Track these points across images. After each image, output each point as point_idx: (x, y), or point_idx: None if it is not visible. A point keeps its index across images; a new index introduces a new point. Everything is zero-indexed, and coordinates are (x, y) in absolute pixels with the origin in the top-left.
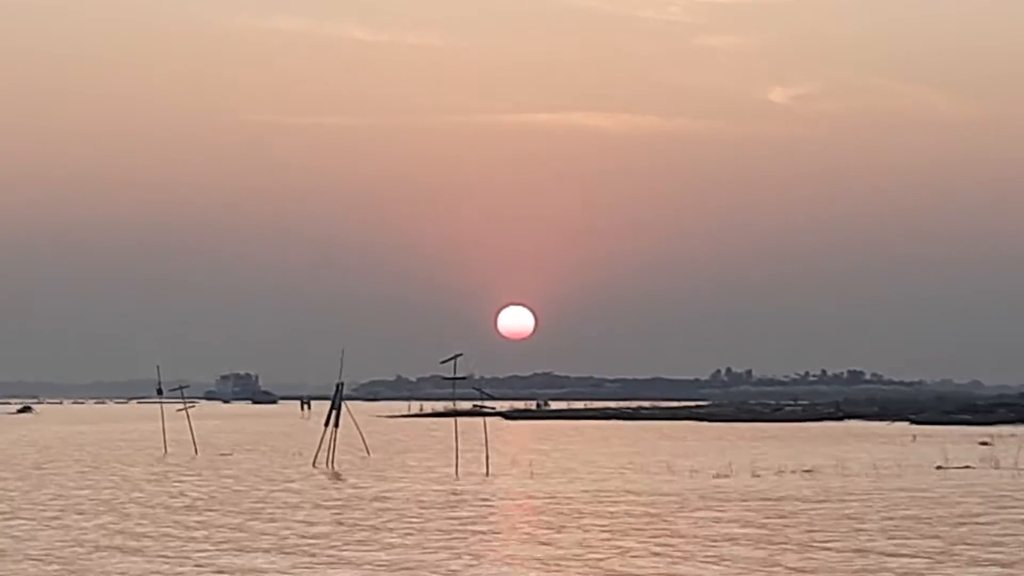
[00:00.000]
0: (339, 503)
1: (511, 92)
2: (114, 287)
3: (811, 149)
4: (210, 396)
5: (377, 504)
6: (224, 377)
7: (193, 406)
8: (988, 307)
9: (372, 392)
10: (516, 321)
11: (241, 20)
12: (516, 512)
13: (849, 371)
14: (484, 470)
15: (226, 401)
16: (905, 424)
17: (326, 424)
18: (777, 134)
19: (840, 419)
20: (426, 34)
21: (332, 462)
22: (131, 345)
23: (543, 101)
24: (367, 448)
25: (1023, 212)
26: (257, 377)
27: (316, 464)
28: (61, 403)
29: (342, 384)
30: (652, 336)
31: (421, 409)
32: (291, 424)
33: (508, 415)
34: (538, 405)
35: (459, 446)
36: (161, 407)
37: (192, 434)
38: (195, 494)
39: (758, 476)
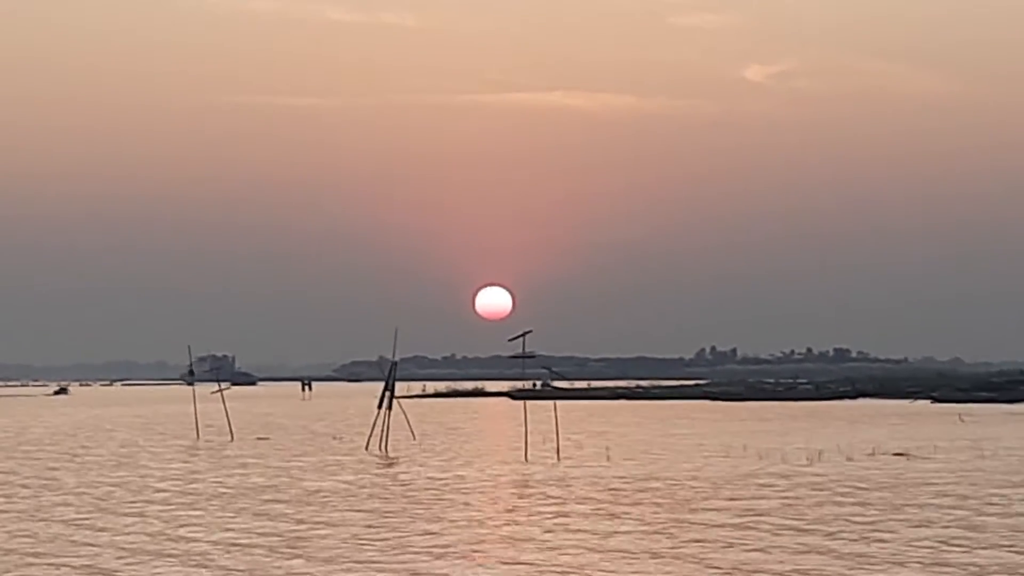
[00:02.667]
0: (442, 490)
1: (487, 72)
2: (87, 271)
3: (789, 127)
4: (185, 377)
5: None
6: (200, 359)
7: (228, 388)
8: (966, 285)
9: (354, 373)
10: (494, 302)
11: (215, 0)
12: (629, 500)
13: (835, 349)
14: (554, 454)
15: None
16: (925, 402)
17: (379, 406)
18: (754, 112)
19: (854, 397)
20: (401, 13)
21: (386, 447)
22: (106, 327)
23: (519, 81)
24: (412, 432)
25: (1003, 189)
26: (233, 359)
27: (368, 448)
28: (90, 385)
29: (395, 364)
30: (632, 316)
31: (424, 389)
32: (299, 406)
33: (513, 395)
34: (543, 384)
35: (489, 427)
36: (193, 390)
37: (228, 418)
38: (261, 482)
39: (852, 460)
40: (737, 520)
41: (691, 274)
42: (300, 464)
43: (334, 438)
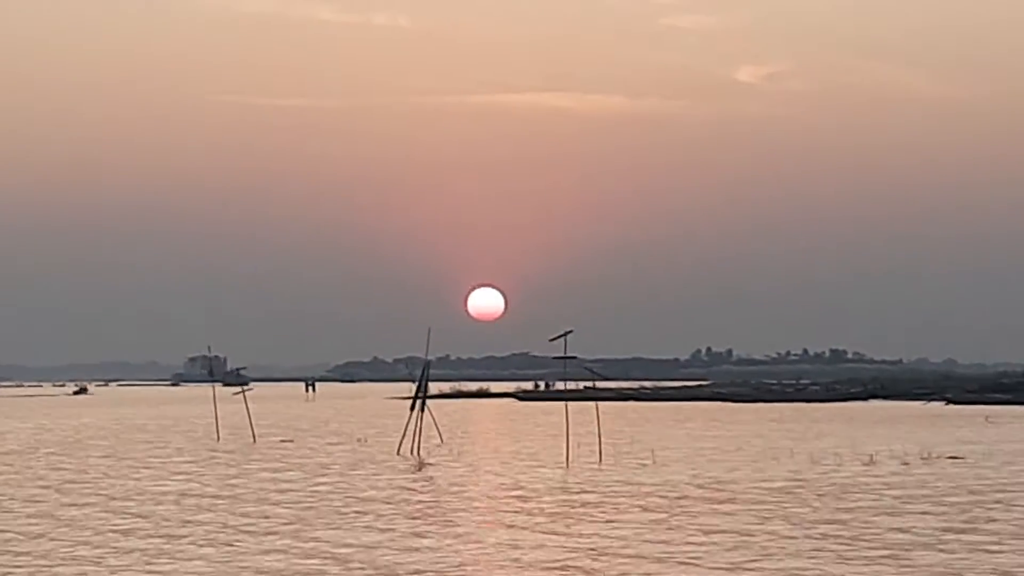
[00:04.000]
0: (496, 498)
1: (478, 72)
2: (81, 270)
3: (781, 128)
4: (177, 377)
5: (536, 499)
6: (192, 359)
7: (251, 389)
8: (960, 287)
9: (348, 373)
10: (486, 302)
11: (208, 1)
12: (698, 508)
13: (831, 350)
14: (596, 458)
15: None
16: (939, 404)
17: (411, 408)
18: (747, 113)
19: (865, 399)
20: (393, 15)
21: (418, 450)
22: (100, 327)
23: (511, 81)
24: (440, 435)
25: (998, 192)
26: (226, 359)
27: (400, 452)
28: (107, 384)
29: (429, 364)
30: (626, 317)
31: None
32: (306, 407)
33: (520, 396)
34: (546, 386)
35: (509, 429)
36: (213, 388)
37: (250, 419)
38: (316, 489)
39: (907, 464)
40: (898, 536)
41: (685, 275)
42: (339, 469)
43: (358, 440)
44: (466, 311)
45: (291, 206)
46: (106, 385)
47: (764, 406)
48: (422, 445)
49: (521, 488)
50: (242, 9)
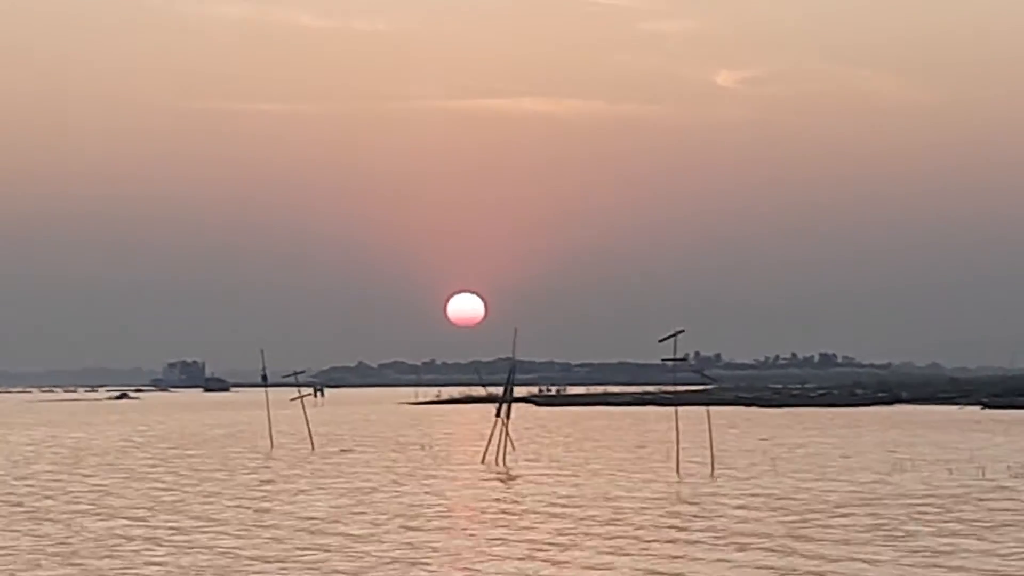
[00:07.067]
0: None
1: (458, 78)
2: (59, 276)
3: (759, 133)
4: (156, 383)
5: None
6: (171, 364)
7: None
8: (945, 292)
9: (334, 379)
10: (466, 308)
11: (185, 6)
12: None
13: (820, 354)
14: (709, 469)
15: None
16: (974, 408)
17: (497, 415)
18: (725, 118)
19: (890, 403)
20: (372, 20)
21: (504, 459)
22: (79, 333)
23: (490, 87)
24: (512, 442)
25: (975, 195)
26: (204, 364)
27: (485, 461)
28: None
29: (514, 367)
30: (609, 320)
31: (439, 395)
32: (323, 412)
33: (537, 401)
34: (558, 390)
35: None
36: (267, 393)
37: (308, 426)
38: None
39: (1018, 477)
40: None
41: (665, 279)
42: (437, 481)
43: (421, 448)
44: (446, 316)
45: (269, 211)
46: (95, 391)
47: (792, 411)
48: (505, 453)
49: (643, 501)
50: (221, 14)
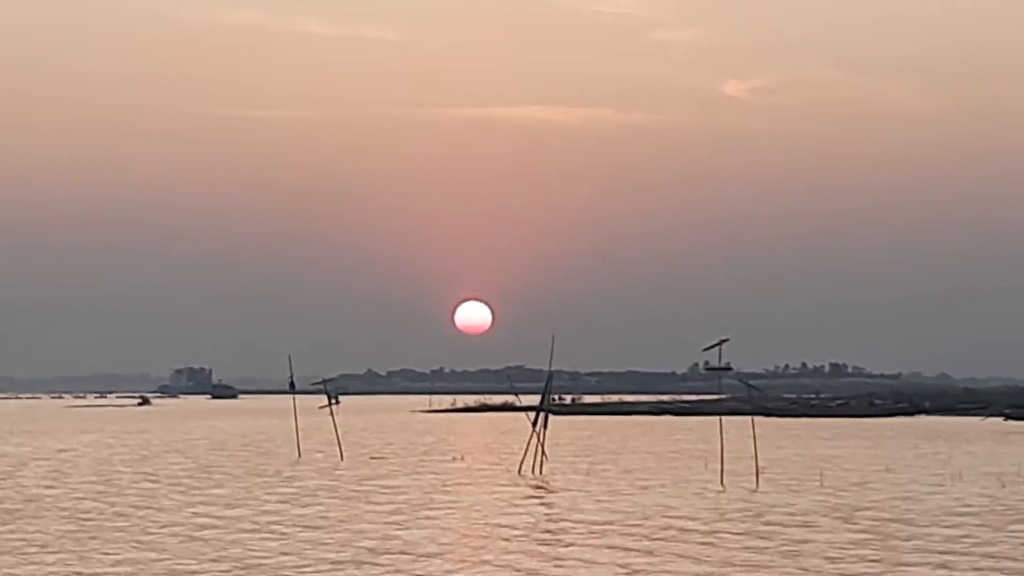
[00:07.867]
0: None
1: (466, 86)
2: (67, 283)
3: (767, 142)
4: (163, 390)
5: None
6: (178, 371)
7: (339, 402)
8: (952, 301)
9: (342, 387)
10: (473, 316)
11: (194, 13)
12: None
13: (831, 364)
14: (753, 481)
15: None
16: (997, 420)
17: (534, 424)
18: (733, 127)
19: (911, 414)
20: (381, 27)
21: (541, 469)
22: (88, 340)
23: (498, 95)
24: (545, 452)
25: (987, 204)
26: (211, 371)
27: (522, 472)
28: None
29: (552, 376)
30: (617, 329)
31: (454, 404)
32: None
33: (552, 410)
34: (572, 399)
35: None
36: (294, 400)
37: (337, 435)
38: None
39: None
40: None
41: (673, 288)
42: (484, 496)
43: (454, 458)
44: (454, 324)
45: (277, 220)
46: (103, 397)
47: (813, 421)
48: (541, 464)
49: (692, 511)
50: (228, 21)
